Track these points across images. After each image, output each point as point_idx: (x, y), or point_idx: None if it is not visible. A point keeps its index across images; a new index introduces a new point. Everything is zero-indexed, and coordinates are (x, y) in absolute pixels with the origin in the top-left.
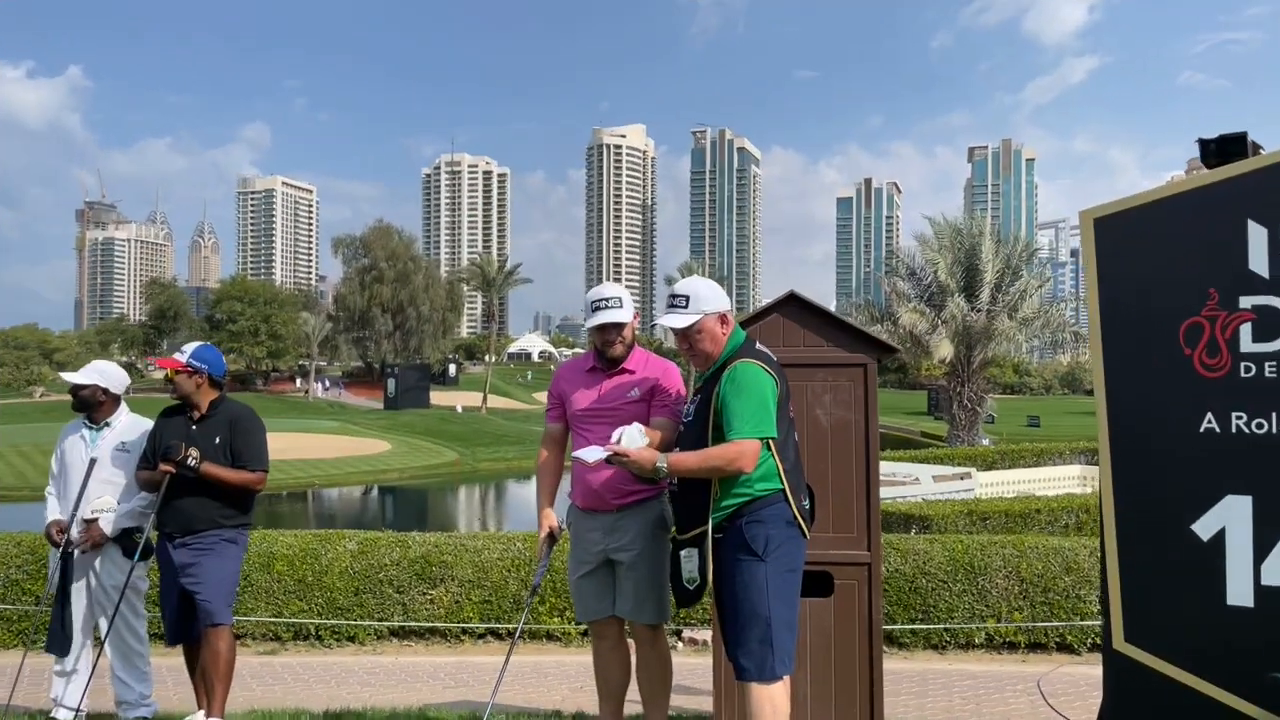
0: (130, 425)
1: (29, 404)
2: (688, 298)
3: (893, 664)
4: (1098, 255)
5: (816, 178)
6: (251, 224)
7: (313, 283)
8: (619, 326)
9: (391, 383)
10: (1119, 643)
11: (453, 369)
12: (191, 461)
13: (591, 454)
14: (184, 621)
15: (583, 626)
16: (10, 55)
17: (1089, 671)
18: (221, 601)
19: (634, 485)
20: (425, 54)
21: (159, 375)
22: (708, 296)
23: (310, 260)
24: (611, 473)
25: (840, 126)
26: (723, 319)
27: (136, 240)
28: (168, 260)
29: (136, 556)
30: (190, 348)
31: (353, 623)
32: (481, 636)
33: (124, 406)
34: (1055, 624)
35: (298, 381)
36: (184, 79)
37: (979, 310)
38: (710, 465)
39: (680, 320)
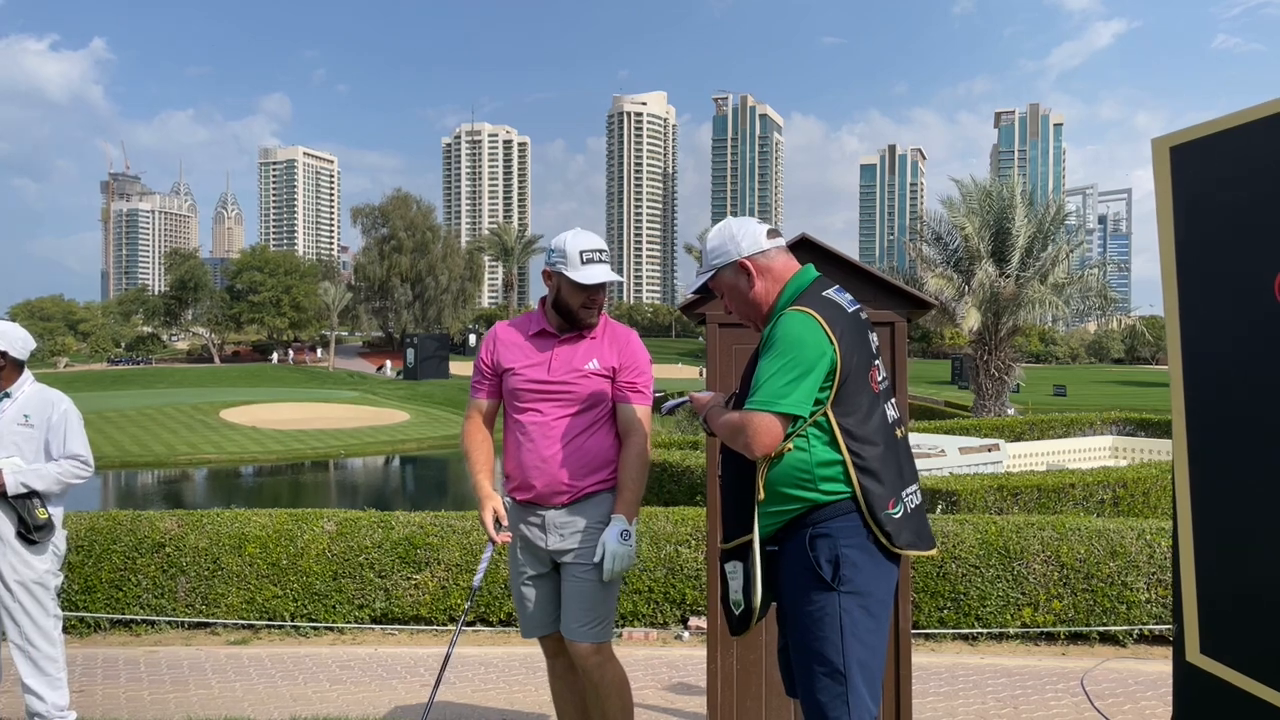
0: (34, 396)
1: (53, 374)
2: (703, 253)
3: (919, 658)
4: (1175, 193)
5: (838, 145)
6: (274, 194)
7: (335, 253)
8: (605, 289)
9: (410, 352)
10: (1193, 655)
11: (472, 339)
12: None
13: (671, 404)
14: None
15: None
16: (34, 28)
17: (1136, 668)
18: None
19: (589, 474)
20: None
21: (182, 345)
22: (715, 246)
23: (332, 230)
24: (561, 457)
25: (863, 93)
26: (743, 268)
27: (160, 211)
28: (192, 231)
29: (50, 543)
30: None
31: (330, 609)
32: (471, 624)
33: (28, 374)
34: (1117, 627)
35: (318, 352)
36: (204, 51)
37: (1008, 276)
38: (721, 429)
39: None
